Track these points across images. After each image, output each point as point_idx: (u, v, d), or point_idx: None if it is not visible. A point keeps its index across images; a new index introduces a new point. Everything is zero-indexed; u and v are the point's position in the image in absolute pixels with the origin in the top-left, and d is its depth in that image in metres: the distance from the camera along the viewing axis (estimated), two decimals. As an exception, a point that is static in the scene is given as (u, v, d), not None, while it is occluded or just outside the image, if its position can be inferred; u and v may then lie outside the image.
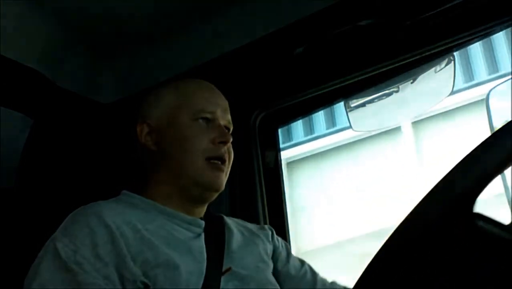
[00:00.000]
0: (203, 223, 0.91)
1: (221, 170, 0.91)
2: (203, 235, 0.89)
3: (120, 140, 0.97)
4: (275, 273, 0.98)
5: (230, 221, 1.00)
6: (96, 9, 1.28)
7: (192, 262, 0.81)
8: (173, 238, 0.83)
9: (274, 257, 1.01)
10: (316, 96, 1.35)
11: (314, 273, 1.03)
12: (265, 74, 1.36)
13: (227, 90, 1.40)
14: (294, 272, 1.01)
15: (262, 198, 1.37)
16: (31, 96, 1.35)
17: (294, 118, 1.54)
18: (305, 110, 1.47)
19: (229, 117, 0.98)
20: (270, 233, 1.05)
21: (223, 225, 0.97)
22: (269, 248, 1.00)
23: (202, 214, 0.95)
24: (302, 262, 1.05)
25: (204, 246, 0.86)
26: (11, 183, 1.35)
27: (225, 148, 0.92)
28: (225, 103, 0.98)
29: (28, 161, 1.36)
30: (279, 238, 1.07)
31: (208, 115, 0.93)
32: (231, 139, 0.93)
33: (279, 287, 0.93)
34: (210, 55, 1.39)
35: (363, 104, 1.37)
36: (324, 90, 1.32)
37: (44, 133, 1.40)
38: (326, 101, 1.41)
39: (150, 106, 0.97)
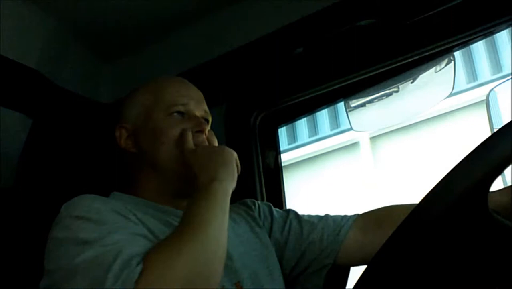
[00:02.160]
0: None
1: None
2: None
3: (113, 141, 0.97)
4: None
5: None
6: (96, 9, 1.28)
7: None
8: (165, 228, 0.83)
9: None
10: (316, 96, 1.35)
11: (299, 220, 1.02)
12: (265, 74, 1.36)
13: (227, 90, 1.40)
14: (280, 233, 1.00)
15: (262, 198, 1.37)
16: (31, 96, 1.35)
17: (294, 118, 1.54)
18: (305, 110, 1.47)
19: (206, 107, 0.98)
20: (252, 207, 1.05)
21: None
22: (257, 229, 1.00)
23: None
24: (287, 213, 1.04)
25: None
26: (11, 183, 1.35)
27: (204, 137, 0.92)
28: (198, 94, 0.98)
29: (28, 161, 1.36)
30: (260, 207, 1.06)
31: (181, 108, 0.93)
32: (207, 128, 0.94)
33: (275, 272, 0.94)
34: (210, 55, 1.39)
35: (363, 104, 1.36)
36: (324, 90, 1.32)
37: (43, 133, 1.40)
38: (326, 101, 1.40)
39: (126, 109, 0.98)
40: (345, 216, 1.01)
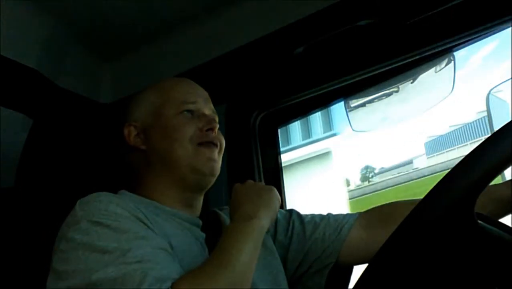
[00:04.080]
0: (200, 221, 0.91)
1: (214, 153, 0.92)
2: (202, 233, 0.89)
3: (119, 140, 0.97)
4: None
5: (225, 219, 0.99)
6: (96, 9, 1.28)
7: (195, 255, 0.82)
8: (177, 230, 0.84)
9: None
10: (316, 96, 1.35)
11: (301, 220, 1.02)
12: (265, 74, 1.36)
13: (227, 90, 1.40)
14: (284, 235, 1.01)
15: (262, 198, 1.37)
16: (31, 96, 1.35)
17: (294, 118, 1.54)
18: (305, 110, 1.47)
19: (212, 106, 0.99)
20: None
21: (219, 223, 0.97)
22: None
23: (199, 206, 0.95)
24: (290, 214, 1.04)
25: (204, 241, 0.87)
26: (11, 183, 1.35)
27: (213, 135, 0.93)
28: (205, 94, 0.99)
29: (28, 161, 1.36)
30: None
31: (191, 107, 0.94)
32: (217, 126, 0.95)
33: (279, 276, 0.94)
34: (210, 55, 1.39)
35: (363, 104, 1.37)
36: (324, 90, 1.32)
37: (44, 133, 1.40)
38: (326, 101, 1.41)
39: (134, 108, 0.98)
40: (347, 214, 1.01)
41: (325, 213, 1.04)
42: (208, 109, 0.97)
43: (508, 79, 1.30)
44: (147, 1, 1.27)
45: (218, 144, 0.94)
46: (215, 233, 0.92)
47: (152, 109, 0.95)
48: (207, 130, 0.92)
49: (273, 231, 1.02)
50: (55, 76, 1.37)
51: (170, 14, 1.34)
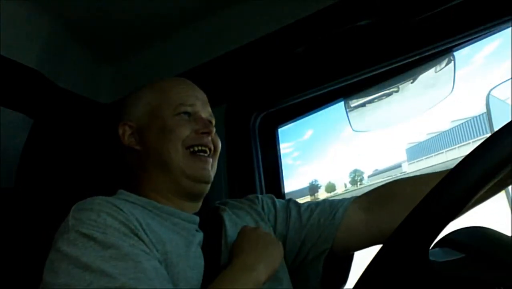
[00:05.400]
0: (198, 218, 0.90)
1: (206, 162, 0.92)
2: (199, 231, 0.89)
3: (116, 139, 0.97)
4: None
5: (225, 213, 0.99)
6: (96, 9, 1.28)
7: (191, 258, 0.81)
8: (172, 234, 0.83)
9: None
10: (316, 96, 1.35)
11: (298, 208, 1.02)
12: (265, 74, 1.36)
13: (227, 90, 1.41)
14: (283, 225, 1.00)
15: (262, 198, 1.37)
16: (31, 96, 1.35)
17: (294, 118, 1.54)
18: (305, 110, 1.47)
19: (210, 109, 0.99)
20: (256, 201, 1.05)
21: (220, 219, 0.97)
22: (261, 223, 1.00)
23: (197, 210, 0.94)
24: (287, 203, 1.04)
25: (202, 241, 0.87)
26: (11, 183, 1.35)
27: (209, 138, 0.93)
28: (203, 96, 0.99)
29: (28, 161, 1.36)
30: (264, 200, 1.06)
31: (189, 109, 0.94)
32: (214, 130, 0.95)
33: (278, 268, 0.94)
34: (210, 55, 1.39)
35: (363, 104, 1.37)
36: (324, 90, 1.32)
37: (44, 133, 1.40)
38: (326, 101, 1.41)
39: (130, 107, 0.98)
40: (343, 199, 1.00)
41: (321, 200, 1.03)
42: (205, 112, 0.96)
43: (508, 79, 1.29)
44: (147, 1, 1.27)
45: (212, 148, 0.93)
46: (214, 232, 0.92)
47: (149, 109, 0.95)
48: (202, 133, 0.91)
49: (273, 220, 1.02)
50: (55, 76, 1.37)
51: (169, 14, 1.34)
